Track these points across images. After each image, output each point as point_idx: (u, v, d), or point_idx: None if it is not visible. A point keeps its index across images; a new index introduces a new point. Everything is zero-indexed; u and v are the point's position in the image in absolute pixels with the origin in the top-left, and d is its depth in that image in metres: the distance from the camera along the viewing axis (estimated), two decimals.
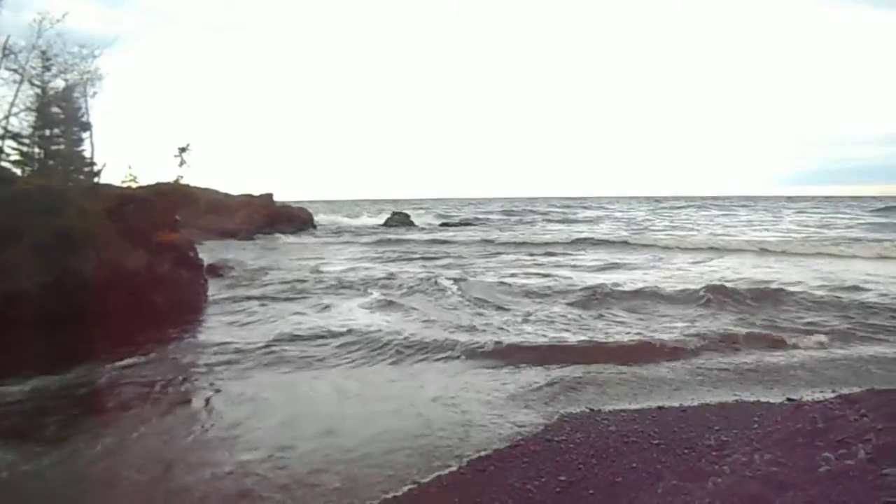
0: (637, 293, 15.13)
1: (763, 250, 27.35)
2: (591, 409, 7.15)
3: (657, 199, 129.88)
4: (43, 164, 22.75)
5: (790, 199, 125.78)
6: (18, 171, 21.09)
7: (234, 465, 5.85)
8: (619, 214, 68.62)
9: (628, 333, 11.03)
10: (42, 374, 8.68)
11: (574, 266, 22.38)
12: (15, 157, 23.37)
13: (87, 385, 8.51)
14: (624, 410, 7.05)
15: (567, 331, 11.45)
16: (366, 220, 57.98)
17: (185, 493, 5.36)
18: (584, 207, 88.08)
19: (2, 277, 11.87)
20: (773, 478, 4.55)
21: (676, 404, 7.28)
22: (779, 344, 10.36)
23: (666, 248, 29.42)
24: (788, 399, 7.27)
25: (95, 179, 20.14)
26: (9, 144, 23.57)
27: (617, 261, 23.85)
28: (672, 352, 9.83)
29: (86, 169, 22.28)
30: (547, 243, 32.58)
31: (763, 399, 7.41)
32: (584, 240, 34.10)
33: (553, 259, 24.93)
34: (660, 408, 7.10)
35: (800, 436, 5.37)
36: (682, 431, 6.24)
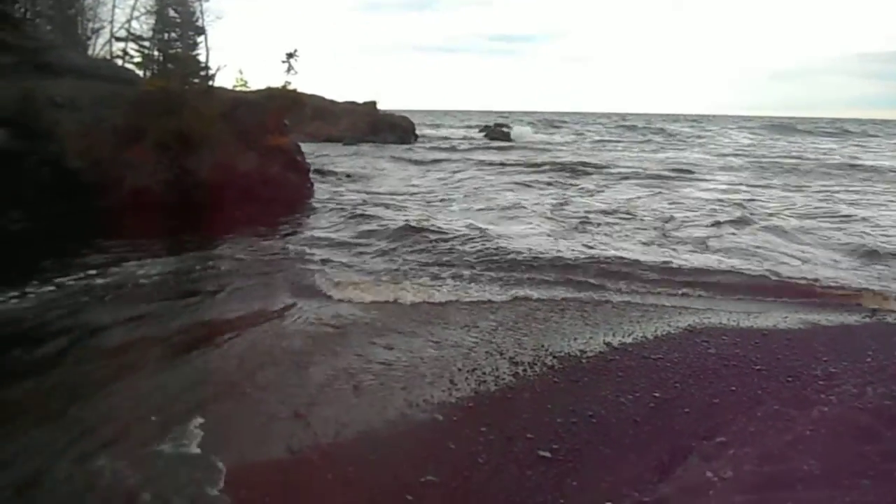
0: None
1: None
2: (690, 330, 7.00)
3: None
4: (162, 67, 23.90)
5: None
6: (140, 73, 22.27)
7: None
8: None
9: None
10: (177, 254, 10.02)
11: None
12: (137, 59, 24.70)
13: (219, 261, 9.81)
14: (726, 333, 6.86)
15: None
16: (466, 132, 57.52)
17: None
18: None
19: (130, 173, 12.79)
20: (885, 412, 4.37)
21: (781, 328, 7.03)
22: None
23: None
24: None
25: (210, 83, 20.94)
26: (131, 47, 24.89)
27: None
28: None
29: (201, 73, 23.18)
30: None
31: (879, 332, 6.99)
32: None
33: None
34: (764, 334, 6.86)
35: None
36: (787, 360, 6.03)
